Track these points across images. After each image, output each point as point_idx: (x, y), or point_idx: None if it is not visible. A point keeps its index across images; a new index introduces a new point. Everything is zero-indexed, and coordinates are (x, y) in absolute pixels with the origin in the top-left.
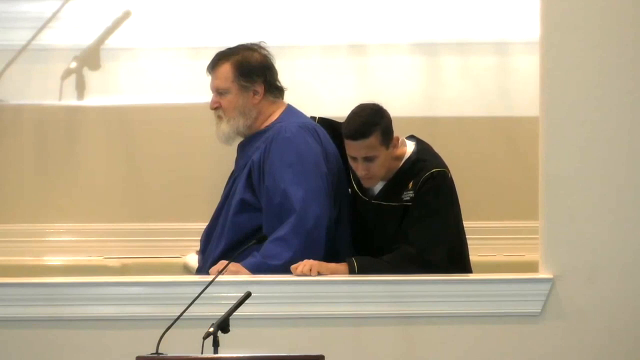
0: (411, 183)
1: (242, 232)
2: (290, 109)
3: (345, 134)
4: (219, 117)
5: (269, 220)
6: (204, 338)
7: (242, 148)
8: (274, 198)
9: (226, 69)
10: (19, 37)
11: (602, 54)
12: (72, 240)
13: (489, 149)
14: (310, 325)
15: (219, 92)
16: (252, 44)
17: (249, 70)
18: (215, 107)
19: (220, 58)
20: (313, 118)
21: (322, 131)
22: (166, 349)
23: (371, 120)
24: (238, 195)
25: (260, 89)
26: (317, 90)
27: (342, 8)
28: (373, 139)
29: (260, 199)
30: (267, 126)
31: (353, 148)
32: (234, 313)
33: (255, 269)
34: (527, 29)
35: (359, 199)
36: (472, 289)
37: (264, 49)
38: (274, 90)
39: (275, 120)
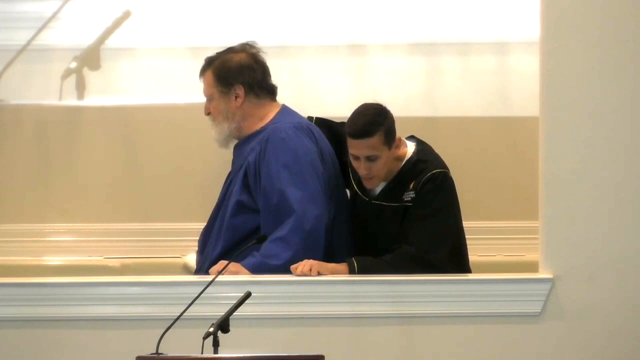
0: (412, 184)
1: (240, 233)
2: (285, 110)
3: (348, 133)
4: (212, 123)
5: (267, 221)
6: (204, 338)
7: (237, 149)
8: (272, 199)
9: (208, 75)
10: (19, 37)
11: (602, 54)
12: (72, 240)
13: (489, 149)
14: (310, 325)
15: (206, 98)
16: (242, 45)
17: (225, 75)
18: (207, 113)
19: (206, 64)
20: (310, 118)
21: (317, 131)
22: (166, 349)
23: (375, 120)
24: (234, 197)
25: (240, 91)
26: (317, 90)
27: (342, 8)
28: (376, 139)
29: (256, 200)
30: (262, 127)
31: (356, 147)
32: (234, 313)
33: (255, 269)
34: (527, 29)
35: (359, 199)
36: (472, 289)
37: (253, 47)
38: (258, 90)
39: (270, 120)
